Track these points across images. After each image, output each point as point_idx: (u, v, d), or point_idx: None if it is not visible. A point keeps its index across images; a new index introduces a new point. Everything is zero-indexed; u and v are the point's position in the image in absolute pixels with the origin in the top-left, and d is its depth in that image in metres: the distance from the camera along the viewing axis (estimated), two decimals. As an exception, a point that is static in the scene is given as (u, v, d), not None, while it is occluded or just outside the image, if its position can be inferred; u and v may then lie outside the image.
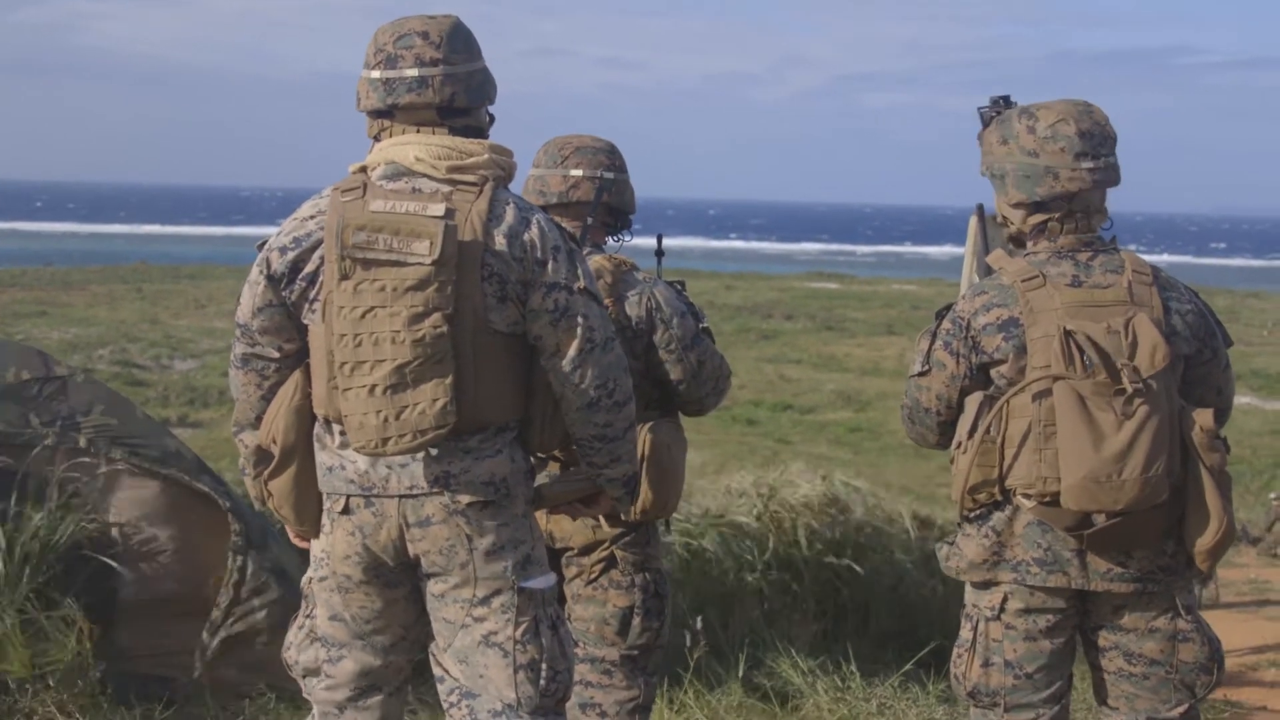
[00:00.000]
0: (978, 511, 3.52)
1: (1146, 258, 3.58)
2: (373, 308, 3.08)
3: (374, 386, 3.08)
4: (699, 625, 6.08)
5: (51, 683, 4.97)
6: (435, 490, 3.17)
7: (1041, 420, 3.37)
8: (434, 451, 3.16)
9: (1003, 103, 3.62)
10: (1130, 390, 3.28)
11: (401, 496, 3.19)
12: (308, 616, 3.42)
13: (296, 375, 3.30)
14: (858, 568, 7.83)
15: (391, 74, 3.24)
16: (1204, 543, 3.39)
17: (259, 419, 3.36)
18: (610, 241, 4.11)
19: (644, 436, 3.79)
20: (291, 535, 3.48)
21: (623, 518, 3.87)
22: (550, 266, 3.20)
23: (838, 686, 6.14)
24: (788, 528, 7.79)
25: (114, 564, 5.29)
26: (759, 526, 7.67)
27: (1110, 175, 3.50)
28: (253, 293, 3.29)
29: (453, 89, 3.25)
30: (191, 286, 34.02)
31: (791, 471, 8.28)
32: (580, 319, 3.22)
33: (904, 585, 8.25)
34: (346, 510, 3.23)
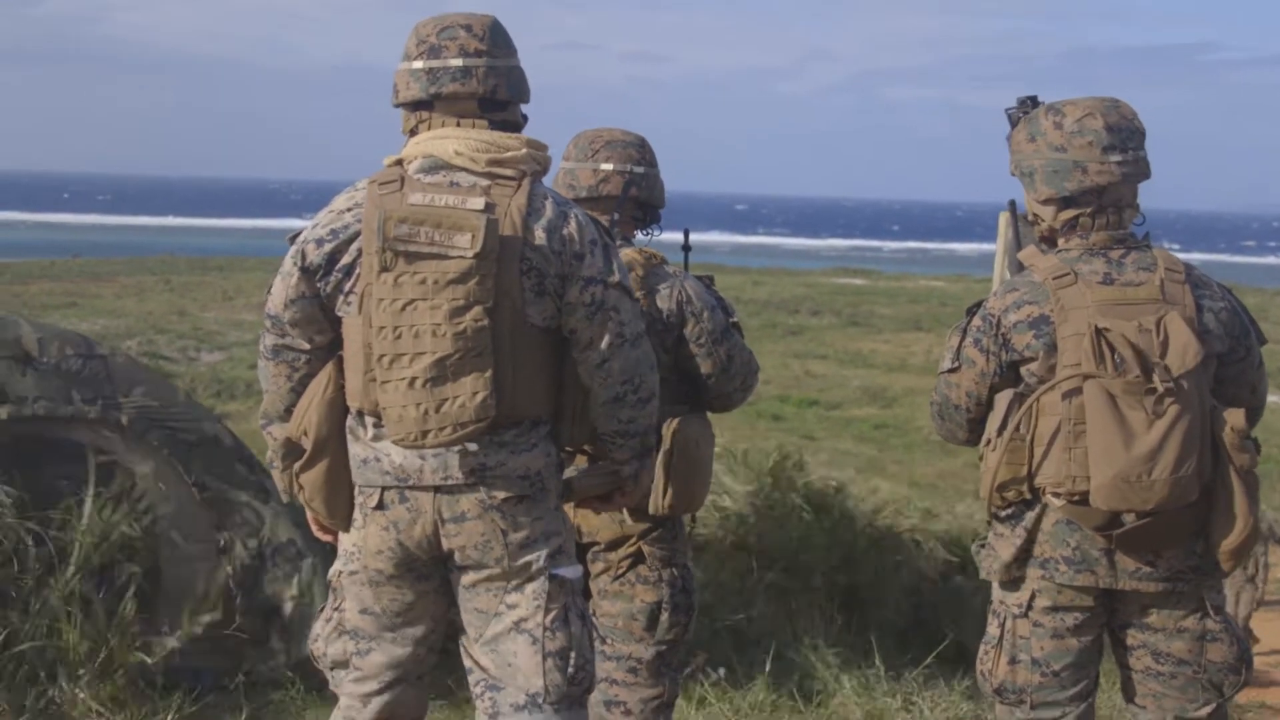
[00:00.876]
0: (1009, 511, 3.51)
1: (1182, 257, 3.56)
2: (413, 300, 3.10)
3: (414, 379, 3.09)
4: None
5: (85, 673, 4.99)
6: (471, 482, 3.18)
7: (1071, 419, 3.36)
8: (471, 446, 3.16)
9: (1029, 103, 3.61)
10: (1161, 389, 3.27)
11: (436, 490, 3.19)
12: (336, 609, 3.42)
13: (329, 368, 3.30)
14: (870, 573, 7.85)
15: (435, 63, 3.26)
16: (1228, 543, 3.38)
17: (288, 411, 3.36)
18: (639, 235, 4.11)
19: (672, 431, 3.79)
20: (315, 529, 3.48)
21: (650, 512, 3.87)
22: (587, 260, 3.22)
23: (862, 683, 6.13)
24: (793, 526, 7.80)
25: (155, 557, 5.32)
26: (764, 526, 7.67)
27: (1139, 169, 3.48)
28: (285, 284, 3.29)
29: (495, 81, 3.28)
30: (219, 278, 34.11)
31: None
32: (613, 313, 3.23)
33: (925, 582, 8.25)
34: (381, 506, 3.23)
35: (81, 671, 4.97)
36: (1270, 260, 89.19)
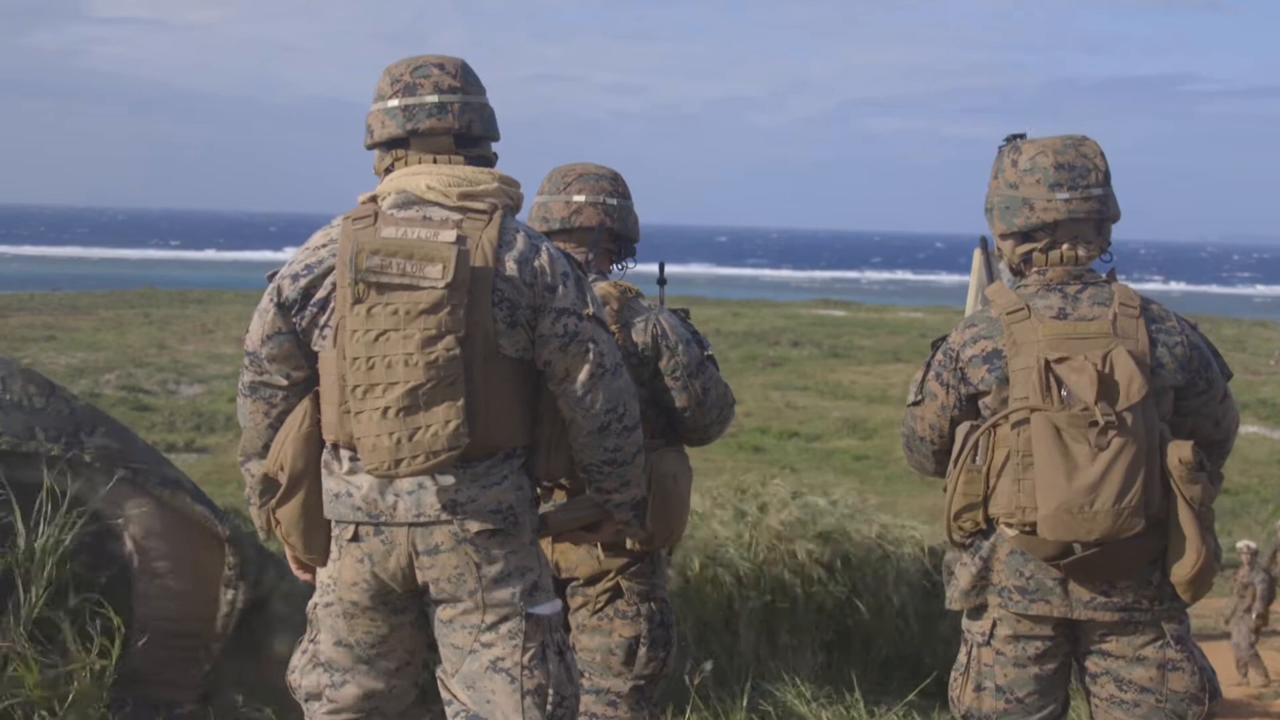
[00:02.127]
0: (969, 540, 3.55)
1: (1163, 288, 3.58)
2: (386, 331, 3.11)
3: (387, 409, 3.10)
4: (709, 667, 6.06)
5: (59, 709, 4.95)
6: (444, 518, 3.18)
7: (1020, 450, 3.41)
8: (441, 479, 3.17)
9: (1018, 142, 3.64)
10: (1103, 423, 3.30)
11: (410, 525, 3.19)
12: (311, 641, 3.41)
13: (305, 403, 3.31)
14: (861, 605, 7.83)
15: (411, 101, 3.30)
16: (1182, 573, 3.41)
17: (266, 448, 3.36)
18: (614, 269, 4.11)
19: (650, 466, 3.78)
20: (294, 567, 3.48)
21: (628, 547, 3.85)
22: (560, 292, 3.24)
23: (842, 716, 6.12)
24: (780, 553, 7.79)
25: (129, 581, 5.29)
26: (748, 560, 7.67)
27: (1093, 207, 3.51)
28: (262, 320, 3.31)
29: (470, 117, 3.32)
30: (199, 311, 34.08)
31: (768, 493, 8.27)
32: (590, 344, 3.25)
33: (906, 614, 8.26)
34: (355, 538, 3.23)
35: (55, 706, 4.93)
36: (1242, 290, 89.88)
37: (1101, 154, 3.54)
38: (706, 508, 8.17)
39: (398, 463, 3.10)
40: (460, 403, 3.10)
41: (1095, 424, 3.31)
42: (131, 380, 23.43)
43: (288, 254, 3.41)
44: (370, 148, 3.39)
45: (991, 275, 3.80)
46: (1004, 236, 3.59)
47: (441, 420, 3.09)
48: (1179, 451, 3.38)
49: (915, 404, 3.64)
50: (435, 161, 3.30)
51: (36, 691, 4.91)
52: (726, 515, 8.03)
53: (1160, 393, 3.43)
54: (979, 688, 3.57)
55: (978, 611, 3.56)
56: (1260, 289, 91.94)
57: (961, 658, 3.63)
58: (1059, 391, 3.35)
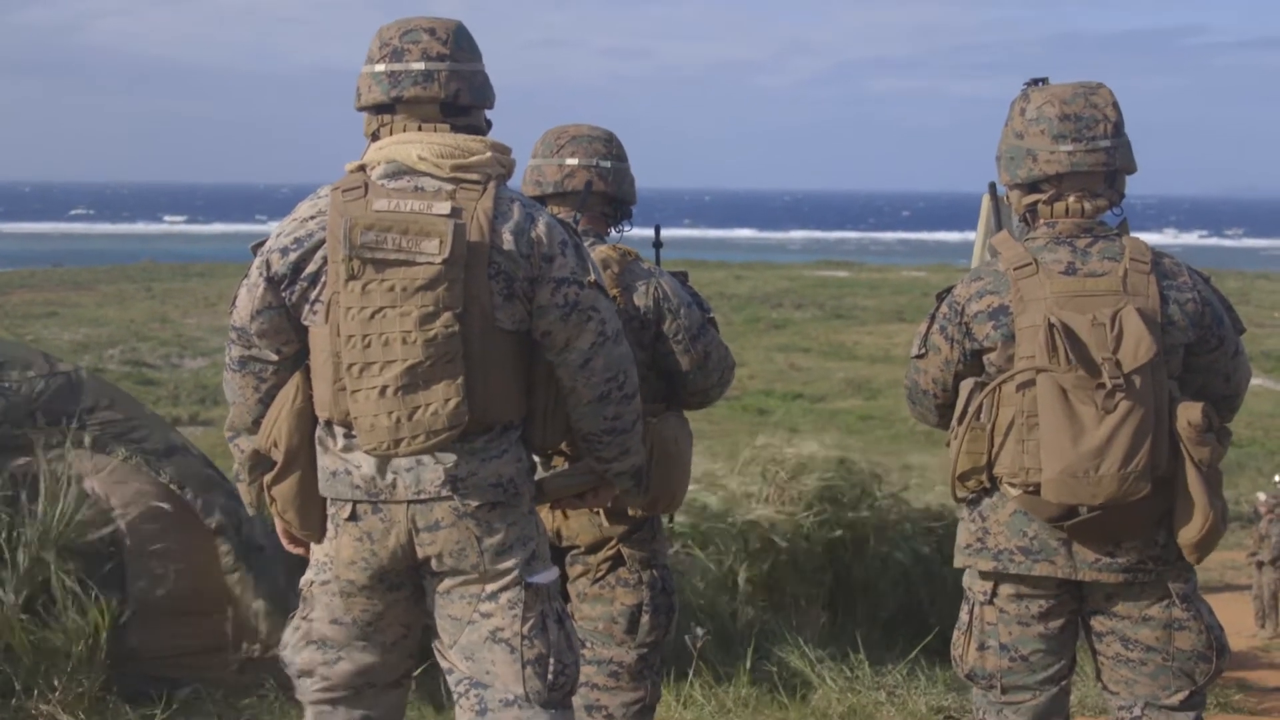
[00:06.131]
0: (972, 498, 3.53)
1: (1164, 241, 3.53)
2: (382, 308, 3.06)
3: (385, 388, 3.06)
4: (700, 632, 6.05)
5: (57, 683, 4.96)
6: (445, 494, 3.15)
7: (1025, 411, 3.36)
8: (441, 457, 3.14)
9: (1029, 89, 3.58)
10: (1110, 385, 3.26)
11: (410, 502, 3.16)
12: (305, 619, 3.37)
13: (297, 377, 3.26)
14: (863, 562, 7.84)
15: (397, 67, 3.23)
16: (1189, 536, 3.37)
17: (256, 423, 3.32)
18: (611, 232, 4.08)
19: (651, 431, 3.76)
20: (285, 541, 3.43)
21: (629, 513, 3.83)
22: (558, 262, 3.19)
23: (846, 676, 6.12)
24: (791, 495, 7.78)
25: (122, 561, 5.30)
26: (762, 511, 7.66)
27: (1098, 160, 3.43)
28: (251, 295, 3.25)
29: (458, 85, 3.25)
30: (201, 284, 34.03)
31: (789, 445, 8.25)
32: (592, 312, 3.21)
33: (912, 571, 8.26)
34: (353, 517, 3.19)
35: (55, 681, 4.94)
36: (1246, 243, 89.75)
37: (1114, 104, 3.45)
38: (709, 469, 8.15)
39: (397, 442, 3.06)
40: (460, 380, 3.06)
41: (1102, 386, 3.26)
42: (135, 355, 23.43)
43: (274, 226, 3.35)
44: (359, 110, 3.33)
45: (999, 223, 3.75)
46: (1011, 186, 3.54)
47: (441, 398, 3.05)
48: (1188, 414, 3.33)
49: (919, 357, 3.58)
50: (421, 129, 3.24)
51: (28, 654, 4.92)
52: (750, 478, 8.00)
53: (1170, 351, 3.39)
54: (982, 646, 3.54)
55: (978, 570, 3.52)
56: (1261, 241, 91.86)
57: (963, 616, 3.59)
58: (1066, 352, 3.29)
